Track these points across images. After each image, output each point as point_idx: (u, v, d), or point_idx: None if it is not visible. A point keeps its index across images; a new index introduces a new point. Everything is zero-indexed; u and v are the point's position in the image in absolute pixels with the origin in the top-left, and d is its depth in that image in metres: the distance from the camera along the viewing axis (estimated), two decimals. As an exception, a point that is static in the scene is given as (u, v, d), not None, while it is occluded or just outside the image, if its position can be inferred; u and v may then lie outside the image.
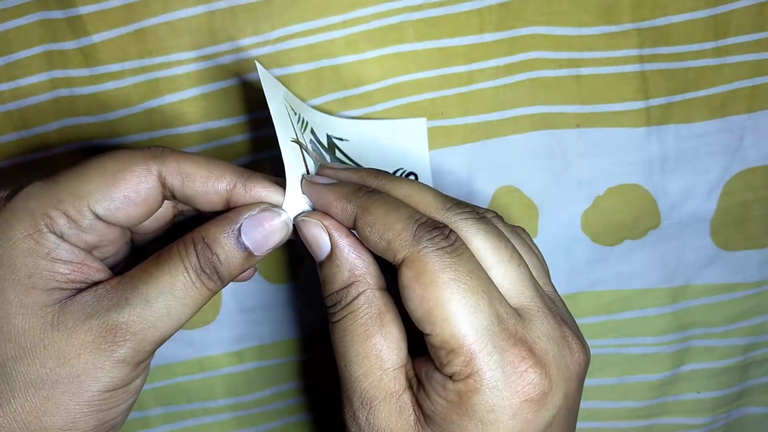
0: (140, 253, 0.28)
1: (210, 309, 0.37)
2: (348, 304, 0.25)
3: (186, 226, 0.27)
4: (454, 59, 0.34)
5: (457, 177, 0.36)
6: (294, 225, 0.26)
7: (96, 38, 0.33)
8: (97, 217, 0.24)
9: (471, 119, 0.35)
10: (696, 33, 0.34)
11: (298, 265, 0.37)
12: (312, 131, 0.32)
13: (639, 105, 0.35)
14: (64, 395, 0.23)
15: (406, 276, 0.23)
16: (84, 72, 0.33)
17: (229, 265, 0.25)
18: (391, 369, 0.24)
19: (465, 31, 0.34)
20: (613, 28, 0.34)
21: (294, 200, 0.26)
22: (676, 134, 0.36)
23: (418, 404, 0.24)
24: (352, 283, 0.25)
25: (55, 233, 0.24)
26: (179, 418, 0.39)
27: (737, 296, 0.38)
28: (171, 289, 0.24)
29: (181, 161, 0.25)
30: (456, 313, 0.22)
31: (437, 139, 0.35)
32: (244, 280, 0.31)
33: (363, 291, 0.25)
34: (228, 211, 0.26)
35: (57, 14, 0.33)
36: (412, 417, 0.24)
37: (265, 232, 0.25)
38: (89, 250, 0.25)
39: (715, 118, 0.36)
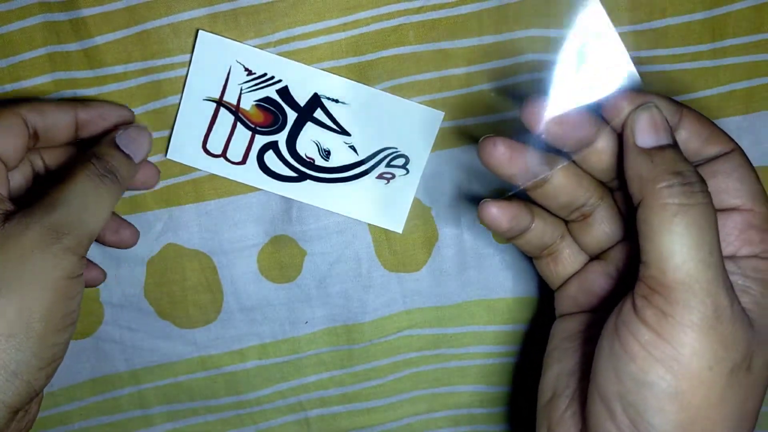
0: None
1: (212, 308, 0.37)
2: (706, 190, 0.24)
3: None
4: (453, 61, 0.34)
5: (456, 179, 0.36)
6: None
7: (99, 40, 0.33)
8: None
9: (471, 121, 0.35)
10: (693, 35, 0.35)
11: (298, 265, 0.37)
12: (281, 90, 0.34)
13: (637, 106, 0.35)
14: (35, 286, 0.27)
15: (742, 158, 0.27)
16: (87, 74, 0.34)
17: (122, 168, 0.31)
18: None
19: (464, 33, 0.34)
20: (611, 31, 0.34)
21: None
22: (673, 135, 0.36)
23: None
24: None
25: None
26: (181, 416, 0.39)
27: (734, 296, 0.38)
28: (84, 192, 0.29)
29: (34, 103, 0.31)
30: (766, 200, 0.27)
31: (437, 140, 0.35)
32: (149, 187, 0.35)
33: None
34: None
35: (60, 16, 0.33)
36: (746, 313, 0.25)
37: (136, 140, 0.32)
38: None
39: (712, 120, 0.36)
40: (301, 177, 0.35)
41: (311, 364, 0.38)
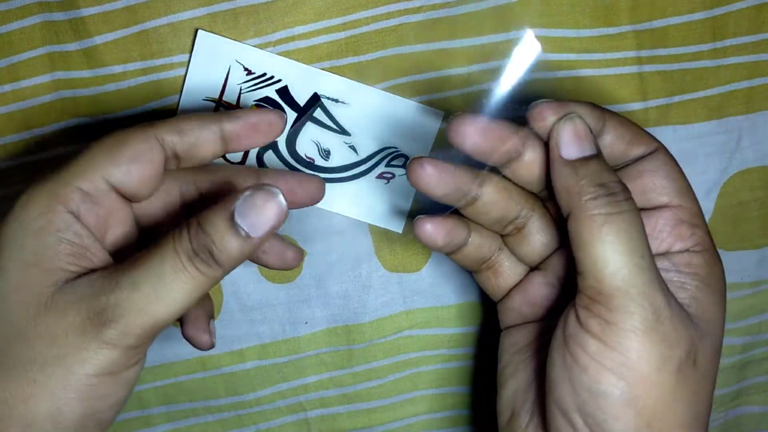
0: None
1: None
2: (630, 198, 0.25)
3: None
4: (453, 61, 0.34)
5: (457, 178, 0.36)
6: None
7: (98, 40, 0.33)
8: (111, 185, 0.25)
9: (470, 120, 0.35)
10: (694, 35, 0.35)
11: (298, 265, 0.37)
12: (281, 90, 0.34)
13: (637, 106, 0.35)
14: (50, 379, 0.23)
15: (667, 156, 0.27)
16: (86, 73, 0.34)
17: (226, 248, 0.24)
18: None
19: (464, 33, 0.34)
20: (611, 30, 0.34)
21: None
22: (674, 135, 0.36)
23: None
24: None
25: (70, 211, 0.24)
26: (181, 416, 0.39)
27: (735, 296, 0.38)
28: (159, 273, 0.23)
29: (170, 121, 0.27)
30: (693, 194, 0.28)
31: (437, 140, 0.35)
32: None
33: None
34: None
35: (59, 16, 0.33)
36: (685, 309, 0.25)
37: (258, 211, 0.24)
38: (101, 234, 0.26)
39: (713, 119, 0.36)
40: (301, 177, 0.35)
41: (311, 364, 0.38)
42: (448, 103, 0.35)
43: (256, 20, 0.33)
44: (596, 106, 0.28)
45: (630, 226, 0.24)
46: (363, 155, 0.35)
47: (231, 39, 0.33)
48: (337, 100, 0.34)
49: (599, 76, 0.35)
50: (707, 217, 0.37)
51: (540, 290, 0.31)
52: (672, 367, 0.24)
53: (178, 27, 0.33)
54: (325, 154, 0.35)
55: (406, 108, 0.35)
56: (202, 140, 0.27)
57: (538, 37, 0.34)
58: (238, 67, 0.33)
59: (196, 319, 0.30)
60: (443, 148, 0.36)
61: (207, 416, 0.39)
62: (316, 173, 0.35)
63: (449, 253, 0.31)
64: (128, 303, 0.23)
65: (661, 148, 0.28)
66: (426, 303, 0.38)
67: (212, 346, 0.30)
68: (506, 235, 0.31)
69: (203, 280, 0.24)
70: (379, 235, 0.37)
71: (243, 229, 0.24)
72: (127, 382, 0.25)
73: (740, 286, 0.38)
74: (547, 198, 0.29)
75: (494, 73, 0.34)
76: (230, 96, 0.34)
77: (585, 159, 0.26)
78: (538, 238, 0.30)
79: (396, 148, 0.35)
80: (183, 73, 0.34)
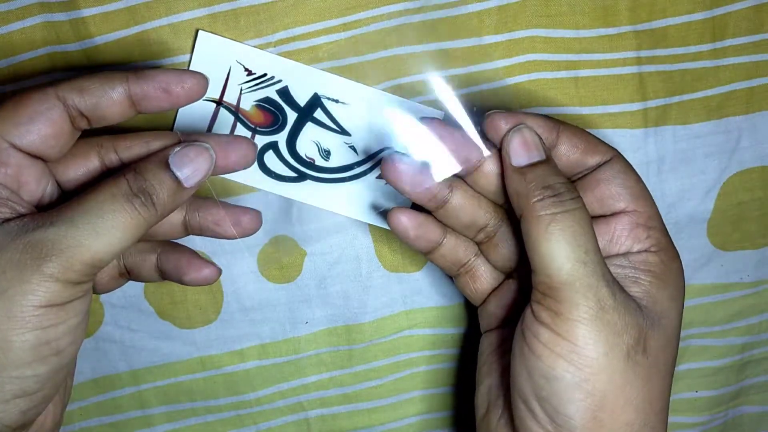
0: None
1: (212, 308, 0.37)
2: (578, 197, 0.27)
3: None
4: (453, 61, 0.34)
5: (457, 178, 0.36)
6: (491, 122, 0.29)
7: (99, 40, 0.33)
8: (13, 146, 0.26)
9: (470, 120, 0.35)
10: (693, 35, 0.35)
11: (298, 265, 0.37)
12: (282, 90, 0.34)
13: (637, 106, 0.35)
14: None
15: (623, 164, 0.29)
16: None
17: (162, 192, 0.26)
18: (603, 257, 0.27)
19: (464, 33, 0.34)
20: (611, 31, 0.34)
21: None
22: (673, 135, 0.36)
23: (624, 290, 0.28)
24: (572, 184, 0.28)
25: None
26: (181, 416, 0.39)
27: (734, 296, 0.39)
28: (98, 211, 0.25)
29: (73, 79, 0.27)
30: (653, 201, 0.30)
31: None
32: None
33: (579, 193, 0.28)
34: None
35: (60, 16, 0.33)
36: (635, 300, 0.28)
37: (191, 162, 0.27)
38: (15, 188, 0.26)
39: (712, 120, 0.36)
40: (301, 177, 0.35)
41: (311, 364, 0.38)
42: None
43: (256, 20, 0.33)
44: (549, 118, 0.29)
45: (574, 223, 0.26)
46: (363, 155, 0.35)
47: (231, 39, 0.33)
48: (337, 100, 0.34)
49: (599, 77, 0.35)
50: (707, 217, 0.37)
51: (512, 296, 0.32)
52: (619, 353, 0.26)
53: (179, 27, 0.33)
54: (325, 154, 0.35)
55: (406, 108, 0.35)
56: (106, 100, 0.27)
57: (539, 37, 0.34)
58: (239, 67, 0.34)
59: (187, 264, 0.31)
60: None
61: (207, 416, 0.39)
62: (316, 173, 0.35)
63: (426, 253, 0.33)
64: (67, 238, 0.24)
65: (616, 157, 0.29)
66: (426, 303, 0.38)
67: (220, 272, 0.32)
68: (479, 242, 0.32)
69: (140, 221, 0.26)
70: (379, 235, 0.37)
71: (177, 176, 0.26)
72: (75, 311, 0.25)
73: (740, 286, 0.38)
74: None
75: (494, 73, 0.35)
76: (231, 96, 0.34)
77: (533, 165, 0.28)
78: (506, 247, 0.32)
79: (396, 148, 0.35)
80: (183, 73, 0.34)
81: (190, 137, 0.29)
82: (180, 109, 0.34)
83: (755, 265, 0.38)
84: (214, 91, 0.34)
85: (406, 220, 0.31)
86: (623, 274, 0.28)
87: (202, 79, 0.28)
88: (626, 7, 0.34)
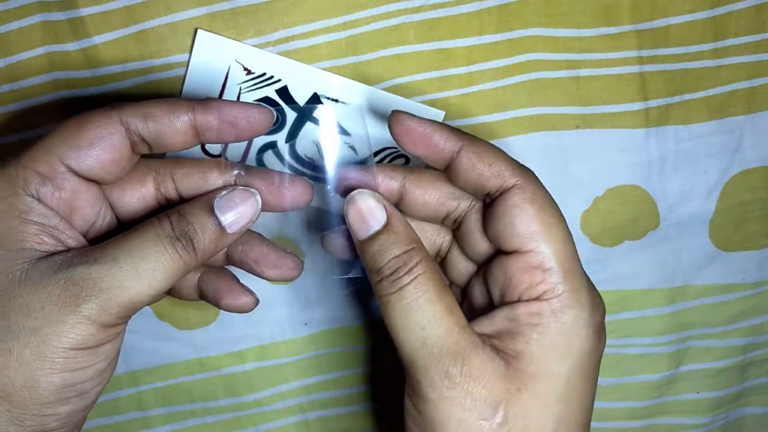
0: None
1: (211, 310, 0.37)
2: (416, 266, 0.26)
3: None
4: (454, 61, 0.34)
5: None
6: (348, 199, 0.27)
7: (97, 40, 0.33)
8: (70, 169, 0.25)
9: (471, 121, 0.35)
10: (695, 34, 0.35)
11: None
12: (281, 89, 0.34)
13: (638, 106, 0.35)
14: (25, 349, 0.23)
15: (520, 197, 0.26)
16: (85, 73, 0.34)
17: (204, 237, 0.25)
18: (466, 325, 0.26)
19: (465, 32, 0.34)
20: (612, 30, 0.34)
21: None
22: (675, 135, 0.36)
23: (501, 350, 0.25)
24: (413, 248, 0.26)
25: (29, 194, 0.25)
26: (180, 418, 0.39)
27: (736, 297, 0.38)
28: (141, 253, 0.24)
29: (138, 105, 0.26)
30: (561, 236, 0.26)
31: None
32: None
33: (424, 255, 0.26)
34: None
35: (58, 16, 0.33)
36: (502, 362, 0.25)
37: (236, 208, 0.26)
38: (67, 213, 0.26)
39: (714, 120, 0.36)
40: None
41: (311, 365, 0.38)
42: (448, 103, 0.35)
43: (255, 20, 0.33)
44: (456, 131, 0.27)
45: (412, 300, 0.25)
46: (363, 155, 0.35)
47: (231, 39, 0.33)
48: (337, 100, 0.34)
49: (600, 76, 0.35)
50: (709, 218, 0.37)
51: (476, 292, 0.30)
52: (469, 430, 0.25)
53: (178, 27, 0.33)
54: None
55: (406, 108, 0.34)
56: (170, 128, 0.26)
57: (539, 36, 0.34)
58: (238, 66, 0.33)
59: (227, 289, 0.31)
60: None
61: (206, 417, 0.39)
62: (316, 173, 0.35)
63: None
64: (108, 278, 0.23)
65: (519, 186, 0.26)
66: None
67: (257, 301, 0.31)
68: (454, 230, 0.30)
69: (181, 265, 0.25)
70: (379, 235, 0.37)
71: (221, 221, 0.26)
72: (105, 355, 0.25)
73: (742, 287, 0.38)
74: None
75: (494, 73, 0.35)
76: (230, 96, 0.34)
77: (371, 237, 0.26)
78: (476, 236, 0.29)
79: (396, 148, 0.35)
80: (183, 72, 0.34)
81: (250, 171, 0.29)
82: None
83: (757, 265, 0.38)
84: (213, 91, 0.34)
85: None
86: (506, 328, 0.26)
87: (268, 114, 0.27)
88: (628, 6, 0.34)
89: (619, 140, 0.36)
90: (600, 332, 0.27)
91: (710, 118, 0.36)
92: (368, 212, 0.27)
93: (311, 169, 0.35)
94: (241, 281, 0.32)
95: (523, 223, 0.26)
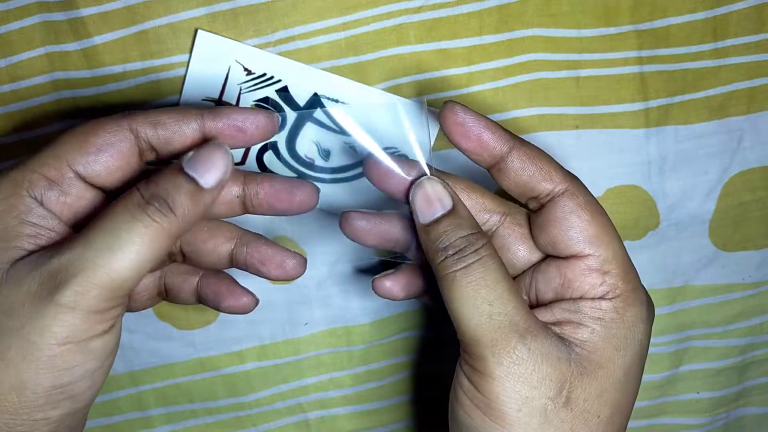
0: None
1: (211, 309, 0.37)
2: (482, 247, 0.26)
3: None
4: (454, 61, 0.34)
5: (457, 178, 0.36)
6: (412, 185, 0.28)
7: (98, 40, 0.33)
8: (77, 175, 0.25)
9: (471, 120, 0.35)
10: (695, 34, 0.35)
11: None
12: (281, 90, 0.34)
13: (638, 106, 0.35)
14: (11, 350, 0.22)
15: (574, 203, 0.27)
16: (86, 74, 0.34)
17: (179, 196, 0.24)
18: (530, 309, 0.26)
19: (465, 33, 0.34)
20: (612, 30, 0.34)
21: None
22: (675, 135, 0.36)
23: (563, 336, 0.26)
24: (479, 232, 0.27)
25: (33, 197, 0.25)
26: (180, 418, 0.39)
27: (736, 297, 0.38)
28: (111, 227, 0.23)
29: (148, 112, 0.26)
30: (616, 239, 0.27)
31: (437, 140, 0.35)
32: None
33: (489, 241, 0.26)
34: None
35: (58, 16, 0.33)
36: (565, 346, 0.26)
37: (205, 161, 0.25)
38: (70, 218, 0.26)
39: (714, 120, 0.36)
40: (301, 177, 0.35)
41: (311, 365, 0.38)
42: (449, 103, 0.35)
43: (255, 20, 0.33)
44: (506, 132, 0.27)
45: (476, 278, 0.25)
46: (363, 155, 0.35)
47: (231, 39, 0.33)
48: (337, 100, 0.34)
49: (600, 76, 0.35)
50: (709, 218, 0.37)
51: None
52: (535, 408, 0.25)
53: (178, 27, 0.33)
54: (325, 154, 0.35)
55: (406, 108, 0.34)
56: (179, 135, 0.26)
57: (539, 37, 0.34)
58: (238, 67, 0.33)
59: (227, 291, 0.31)
60: (444, 149, 0.36)
61: (206, 417, 0.39)
62: (316, 173, 0.35)
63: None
64: (80, 261, 0.23)
65: (570, 191, 0.27)
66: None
67: (257, 301, 0.31)
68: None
69: (158, 230, 0.24)
70: (379, 235, 0.37)
71: (192, 176, 0.25)
72: (95, 352, 0.24)
73: (741, 287, 0.38)
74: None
75: (495, 73, 0.35)
76: (230, 96, 0.34)
77: (436, 221, 0.27)
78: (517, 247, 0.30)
79: (396, 148, 0.35)
80: (183, 73, 0.34)
81: (254, 176, 0.29)
82: (179, 109, 0.34)
83: (757, 265, 0.38)
84: (213, 91, 0.34)
85: (390, 285, 0.30)
86: (568, 319, 0.27)
87: (275, 118, 0.27)
88: (628, 6, 0.34)
89: (619, 140, 0.36)
90: (651, 330, 0.28)
91: (710, 118, 0.36)
92: (435, 196, 0.27)
93: (311, 169, 0.35)
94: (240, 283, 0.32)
95: (582, 229, 0.27)
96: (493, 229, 0.30)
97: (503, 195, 0.30)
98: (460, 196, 0.28)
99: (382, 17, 0.33)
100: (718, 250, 0.38)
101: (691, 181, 0.37)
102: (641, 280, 0.38)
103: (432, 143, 0.35)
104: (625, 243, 0.37)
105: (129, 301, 0.29)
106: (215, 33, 0.33)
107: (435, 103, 0.35)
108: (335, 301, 0.37)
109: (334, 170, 0.35)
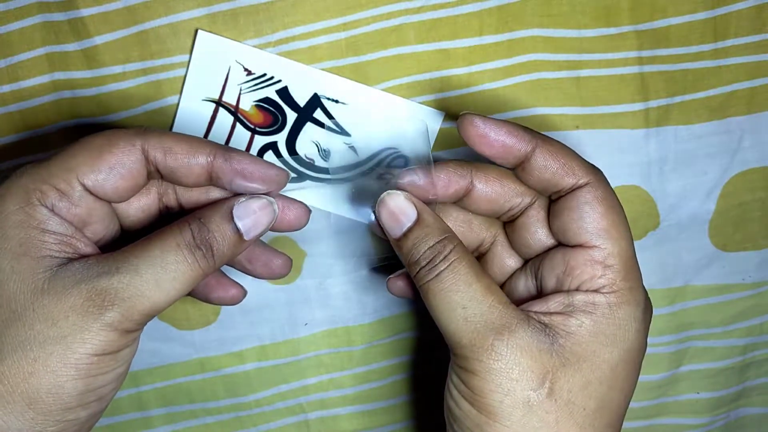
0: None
1: (211, 310, 0.37)
2: (450, 252, 0.27)
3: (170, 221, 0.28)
4: (454, 61, 0.34)
5: (457, 178, 0.36)
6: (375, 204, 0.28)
7: (98, 40, 0.33)
8: (86, 189, 0.26)
9: (471, 121, 0.35)
10: (695, 35, 0.35)
11: (297, 266, 0.37)
12: (281, 90, 0.34)
13: (638, 107, 0.35)
14: (51, 357, 0.24)
15: (591, 195, 0.27)
16: (86, 74, 0.34)
17: (223, 244, 0.26)
18: (508, 302, 0.27)
19: (465, 33, 0.34)
20: (612, 30, 0.34)
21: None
22: (675, 136, 0.36)
23: (550, 327, 0.26)
24: (446, 237, 0.27)
25: (45, 206, 0.25)
26: (181, 418, 0.39)
27: (736, 297, 0.38)
28: (161, 262, 0.25)
29: (163, 137, 0.27)
30: (626, 236, 0.27)
31: (437, 140, 0.35)
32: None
33: (458, 243, 0.27)
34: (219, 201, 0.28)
35: (59, 16, 0.33)
36: (548, 337, 0.26)
37: (254, 215, 0.27)
38: (80, 227, 0.26)
39: (714, 120, 0.36)
40: (301, 177, 0.35)
41: (311, 365, 0.38)
42: (448, 103, 0.35)
43: (255, 20, 0.33)
44: (528, 130, 0.28)
45: (449, 284, 0.26)
46: (363, 156, 0.35)
47: (231, 39, 0.33)
48: (337, 101, 0.34)
49: (600, 76, 0.35)
50: (709, 218, 0.37)
51: (519, 286, 0.30)
52: (516, 399, 0.26)
53: (178, 27, 0.33)
54: (325, 154, 0.35)
55: (406, 108, 0.34)
56: (186, 169, 0.27)
57: (539, 37, 0.34)
58: (238, 67, 0.33)
59: (215, 283, 0.31)
60: (443, 148, 0.36)
61: (206, 418, 0.39)
62: (316, 173, 0.35)
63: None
64: (130, 288, 0.24)
65: (592, 183, 0.27)
66: (426, 304, 0.38)
67: (245, 293, 0.32)
68: (506, 222, 0.31)
69: (199, 273, 0.26)
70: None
71: (239, 229, 0.27)
72: (124, 360, 0.26)
73: (741, 287, 0.38)
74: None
75: (495, 73, 0.34)
76: (230, 96, 0.34)
77: (405, 234, 0.28)
78: (535, 230, 0.30)
79: (396, 148, 0.35)
80: (183, 73, 0.34)
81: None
82: (179, 109, 0.34)
83: (757, 265, 0.38)
84: (213, 91, 0.34)
85: (403, 284, 0.32)
86: (560, 310, 0.27)
87: (285, 175, 0.28)
88: (627, 6, 0.34)
89: (619, 140, 0.36)
90: (646, 332, 0.28)
91: (710, 118, 0.36)
92: (399, 210, 0.28)
93: (311, 169, 0.35)
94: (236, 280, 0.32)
95: (593, 220, 0.27)
96: (523, 210, 0.30)
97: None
98: (490, 186, 0.29)
99: (383, 17, 0.33)
100: (718, 250, 0.38)
101: (691, 181, 0.37)
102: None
103: (432, 144, 0.35)
104: (625, 243, 0.37)
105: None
106: (215, 33, 0.33)
107: (435, 104, 0.35)
108: (335, 302, 0.37)
109: (334, 170, 0.35)
